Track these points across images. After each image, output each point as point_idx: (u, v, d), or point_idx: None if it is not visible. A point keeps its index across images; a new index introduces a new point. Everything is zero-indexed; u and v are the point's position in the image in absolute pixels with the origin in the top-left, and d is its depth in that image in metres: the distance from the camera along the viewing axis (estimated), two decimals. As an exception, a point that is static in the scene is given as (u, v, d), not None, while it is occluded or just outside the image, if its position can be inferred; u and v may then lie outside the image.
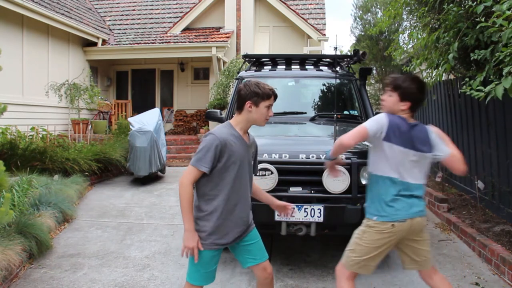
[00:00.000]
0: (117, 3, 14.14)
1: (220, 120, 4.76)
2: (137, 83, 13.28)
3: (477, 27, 3.57)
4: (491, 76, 3.43)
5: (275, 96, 2.23)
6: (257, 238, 2.36)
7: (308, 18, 12.69)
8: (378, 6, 10.10)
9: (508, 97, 3.09)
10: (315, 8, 13.50)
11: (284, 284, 3.36)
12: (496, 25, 3.09)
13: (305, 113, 4.59)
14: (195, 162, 2.12)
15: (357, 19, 10.60)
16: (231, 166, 2.15)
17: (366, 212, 2.34)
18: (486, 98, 3.17)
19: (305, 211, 3.29)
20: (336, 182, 3.25)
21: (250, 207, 2.31)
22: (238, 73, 5.19)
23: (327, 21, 34.72)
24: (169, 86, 13.17)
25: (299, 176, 3.44)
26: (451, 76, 6.22)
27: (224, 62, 11.72)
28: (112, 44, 11.70)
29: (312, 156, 3.41)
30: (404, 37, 7.87)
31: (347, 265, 2.33)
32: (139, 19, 13.32)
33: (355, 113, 4.64)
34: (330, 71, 5.21)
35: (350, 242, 2.36)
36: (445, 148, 2.28)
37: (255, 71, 5.21)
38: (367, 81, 6.77)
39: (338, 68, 5.28)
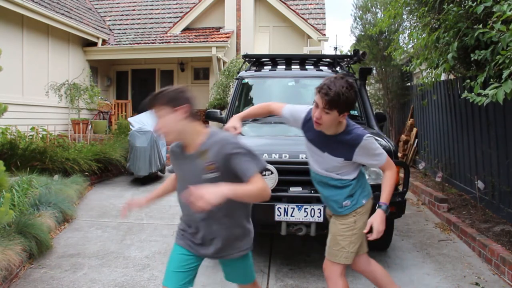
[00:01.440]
0: (117, 3, 14.14)
1: (220, 120, 4.76)
2: (137, 83, 13.28)
3: (476, 33, 3.56)
4: (491, 79, 3.41)
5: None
6: (241, 269, 2.16)
7: (308, 18, 12.69)
8: (378, 6, 10.06)
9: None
10: (315, 8, 13.50)
11: (284, 284, 3.36)
12: (494, 30, 3.08)
13: (305, 113, 4.58)
14: None
15: (357, 19, 10.53)
16: (178, 177, 2.14)
17: (352, 207, 2.34)
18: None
19: (305, 211, 3.29)
20: None
21: (216, 226, 1.97)
22: (238, 73, 5.19)
23: (327, 21, 34.78)
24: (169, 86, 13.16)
25: (299, 176, 3.43)
26: (451, 76, 6.22)
27: (224, 62, 11.72)
28: (112, 44, 11.70)
29: (312, 156, 3.40)
30: (404, 37, 7.86)
31: (345, 260, 2.35)
32: (139, 19, 13.32)
33: (355, 113, 4.64)
34: (330, 71, 5.21)
35: (339, 241, 2.35)
36: None
37: (255, 71, 5.21)
38: (367, 81, 6.78)
39: (338, 68, 5.28)
